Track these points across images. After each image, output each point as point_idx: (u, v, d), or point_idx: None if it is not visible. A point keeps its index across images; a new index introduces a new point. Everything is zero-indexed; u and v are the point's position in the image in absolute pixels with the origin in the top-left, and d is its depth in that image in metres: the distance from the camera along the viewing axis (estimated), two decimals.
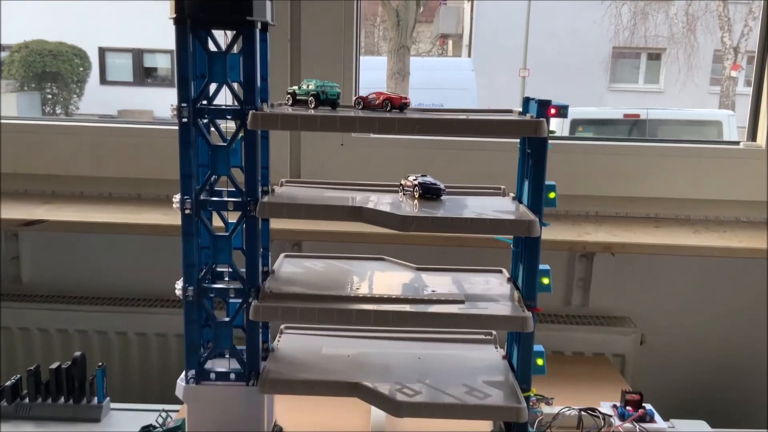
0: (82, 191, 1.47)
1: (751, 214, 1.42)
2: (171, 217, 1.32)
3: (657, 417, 1.08)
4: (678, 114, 5.82)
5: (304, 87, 0.93)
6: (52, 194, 1.47)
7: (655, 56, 9.28)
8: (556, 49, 8.13)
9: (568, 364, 1.32)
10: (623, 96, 8.68)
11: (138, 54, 8.75)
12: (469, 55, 8.93)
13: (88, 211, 1.36)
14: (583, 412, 0.98)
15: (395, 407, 0.86)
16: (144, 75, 8.87)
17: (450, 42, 9.91)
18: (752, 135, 1.45)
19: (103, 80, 8.65)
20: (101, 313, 1.41)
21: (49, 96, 7.84)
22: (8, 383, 1.06)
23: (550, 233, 1.28)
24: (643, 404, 1.09)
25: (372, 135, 1.45)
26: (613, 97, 8.71)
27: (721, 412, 1.28)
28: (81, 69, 7.98)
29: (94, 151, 1.47)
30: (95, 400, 1.08)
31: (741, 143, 1.44)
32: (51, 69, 7.74)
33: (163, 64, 8.89)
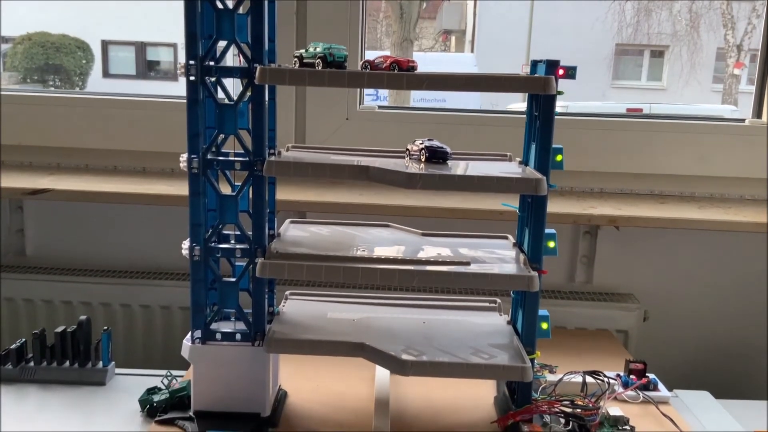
0: (87, 164, 1.47)
1: (755, 192, 1.42)
2: (177, 188, 1.32)
3: (660, 386, 1.08)
4: (681, 109, 5.83)
5: (311, 50, 0.93)
6: (57, 167, 1.47)
7: (658, 54, 9.26)
8: (558, 45, 8.10)
9: (571, 337, 1.32)
10: (626, 93, 8.68)
11: (141, 47, 8.74)
12: (472, 51, 8.92)
13: (93, 183, 1.36)
14: (587, 376, 0.98)
15: (400, 366, 0.86)
16: (147, 68, 8.85)
17: (453, 38, 9.90)
18: (757, 112, 1.45)
19: (106, 73, 8.63)
20: (105, 285, 1.41)
21: (52, 88, 7.84)
22: (13, 346, 1.07)
23: (554, 207, 1.28)
24: (647, 374, 1.09)
25: (377, 109, 1.46)
26: (615, 93, 8.70)
27: (725, 387, 1.28)
28: (84, 62, 7.97)
29: (100, 124, 1.47)
30: (100, 364, 1.08)
31: (746, 120, 1.44)
32: (54, 61, 7.72)
33: (166, 57, 8.88)
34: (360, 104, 1.46)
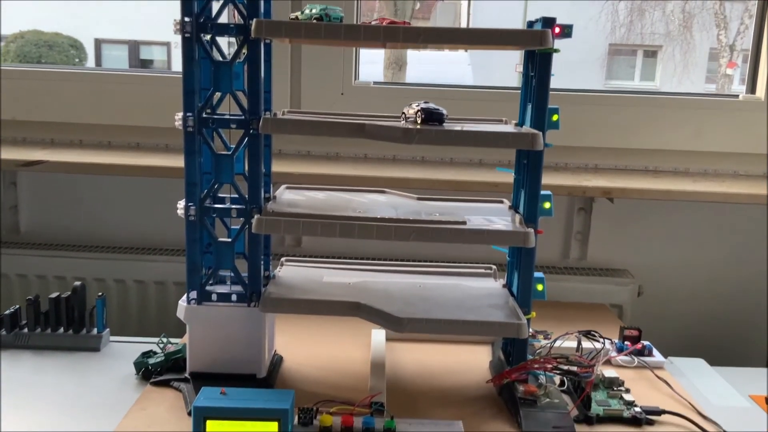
0: (81, 139, 1.47)
1: (749, 168, 1.42)
2: (171, 160, 1.32)
3: (655, 351, 1.09)
4: None
5: (308, 11, 0.93)
6: (51, 142, 1.46)
7: (651, 54, 9.27)
8: None
9: (565, 309, 1.31)
10: None
11: (134, 46, 8.70)
12: (466, 50, 8.93)
13: (87, 157, 1.35)
14: (582, 338, 0.98)
15: (396, 323, 0.86)
16: (140, 67, 8.81)
17: None
18: (751, 87, 1.45)
19: None
20: (99, 261, 1.40)
21: None
22: (7, 312, 1.06)
23: (549, 179, 1.28)
24: (641, 340, 1.09)
25: (372, 84, 1.46)
26: None
27: (720, 359, 1.28)
28: (77, 60, 7.93)
29: (95, 99, 1.46)
30: (95, 330, 1.08)
31: (740, 95, 1.44)
32: (47, 60, 7.69)
33: (159, 56, 8.84)
34: (355, 79, 1.46)
